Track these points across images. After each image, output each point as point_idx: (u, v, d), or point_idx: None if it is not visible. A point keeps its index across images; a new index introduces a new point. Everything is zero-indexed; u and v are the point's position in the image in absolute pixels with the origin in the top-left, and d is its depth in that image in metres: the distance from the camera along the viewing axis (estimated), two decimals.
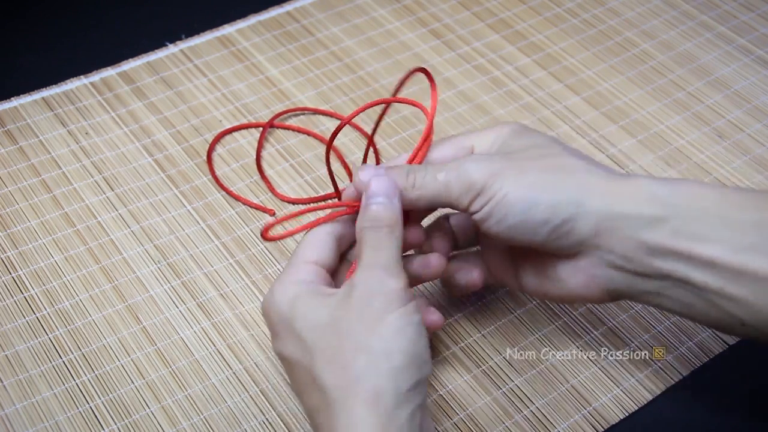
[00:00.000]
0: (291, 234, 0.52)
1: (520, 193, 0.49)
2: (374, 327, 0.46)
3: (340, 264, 0.54)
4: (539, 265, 0.53)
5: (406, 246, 0.53)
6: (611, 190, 0.49)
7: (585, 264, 0.51)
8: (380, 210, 0.50)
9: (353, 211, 0.53)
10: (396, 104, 0.65)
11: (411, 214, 0.53)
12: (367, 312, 0.46)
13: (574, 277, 0.52)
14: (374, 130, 0.53)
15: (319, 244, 0.52)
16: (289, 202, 0.67)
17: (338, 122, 0.65)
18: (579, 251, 0.50)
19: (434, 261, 0.54)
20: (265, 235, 0.52)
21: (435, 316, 0.53)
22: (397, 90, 0.53)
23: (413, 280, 0.54)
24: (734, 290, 0.47)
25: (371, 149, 0.56)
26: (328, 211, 0.53)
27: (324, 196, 0.67)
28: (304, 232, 0.53)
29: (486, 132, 0.54)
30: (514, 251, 0.55)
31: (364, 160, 0.57)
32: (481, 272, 0.56)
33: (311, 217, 0.53)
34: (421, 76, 0.54)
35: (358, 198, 0.52)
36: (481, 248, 0.58)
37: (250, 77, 0.76)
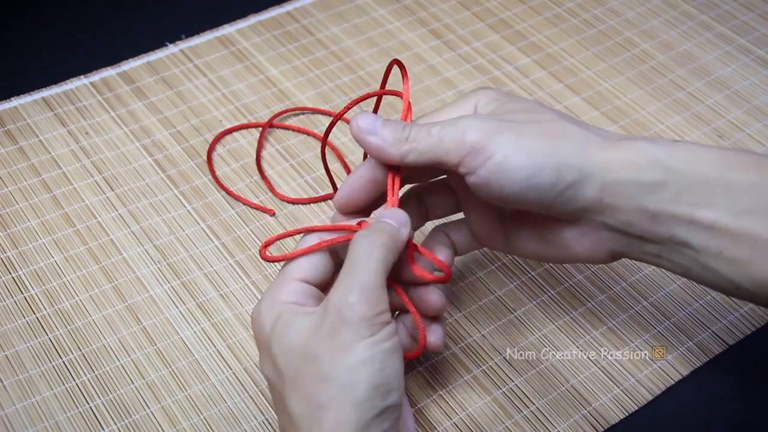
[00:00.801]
0: (291, 257, 0.50)
1: (521, 158, 0.48)
2: (341, 356, 0.45)
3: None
4: (538, 229, 0.53)
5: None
6: (611, 156, 0.49)
7: (589, 229, 0.51)
8: (385, 227, 0.49)
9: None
10: (388, 97, 0.65)
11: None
12: (336, 339, 0.45)
13: (578, 241, 0.51)
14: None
15: (310, 257, 0.50)
16: (289, 202, 0.67)
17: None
18: (581, 216, 0.50)
19: (433, 297, 0.51)
20: (263, 255, 0.50)
21: (433, 337, 0.51)
22: (383, 84, 0.54)
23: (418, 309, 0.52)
24: (733, 253, 0.47)
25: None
26: (333, 235, 0.51)
27: (324, 197, 0.67)
28: (302, 235, 0.52)
29: (462, 103, 0.53)
30: (505, 215, 0.54)
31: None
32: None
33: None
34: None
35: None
36: (464, 213, 0.56)
37: (250, 77, 0.76)
